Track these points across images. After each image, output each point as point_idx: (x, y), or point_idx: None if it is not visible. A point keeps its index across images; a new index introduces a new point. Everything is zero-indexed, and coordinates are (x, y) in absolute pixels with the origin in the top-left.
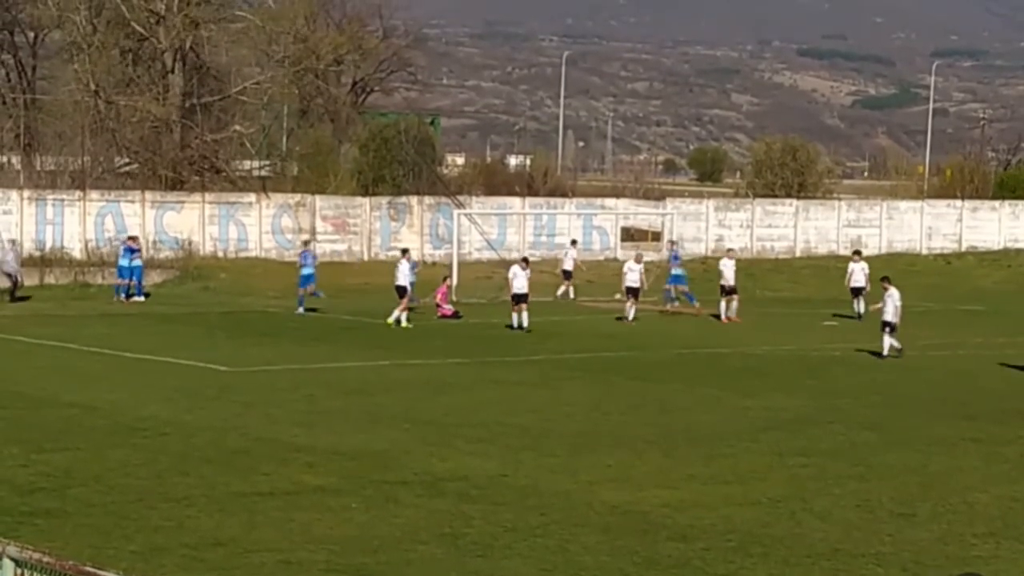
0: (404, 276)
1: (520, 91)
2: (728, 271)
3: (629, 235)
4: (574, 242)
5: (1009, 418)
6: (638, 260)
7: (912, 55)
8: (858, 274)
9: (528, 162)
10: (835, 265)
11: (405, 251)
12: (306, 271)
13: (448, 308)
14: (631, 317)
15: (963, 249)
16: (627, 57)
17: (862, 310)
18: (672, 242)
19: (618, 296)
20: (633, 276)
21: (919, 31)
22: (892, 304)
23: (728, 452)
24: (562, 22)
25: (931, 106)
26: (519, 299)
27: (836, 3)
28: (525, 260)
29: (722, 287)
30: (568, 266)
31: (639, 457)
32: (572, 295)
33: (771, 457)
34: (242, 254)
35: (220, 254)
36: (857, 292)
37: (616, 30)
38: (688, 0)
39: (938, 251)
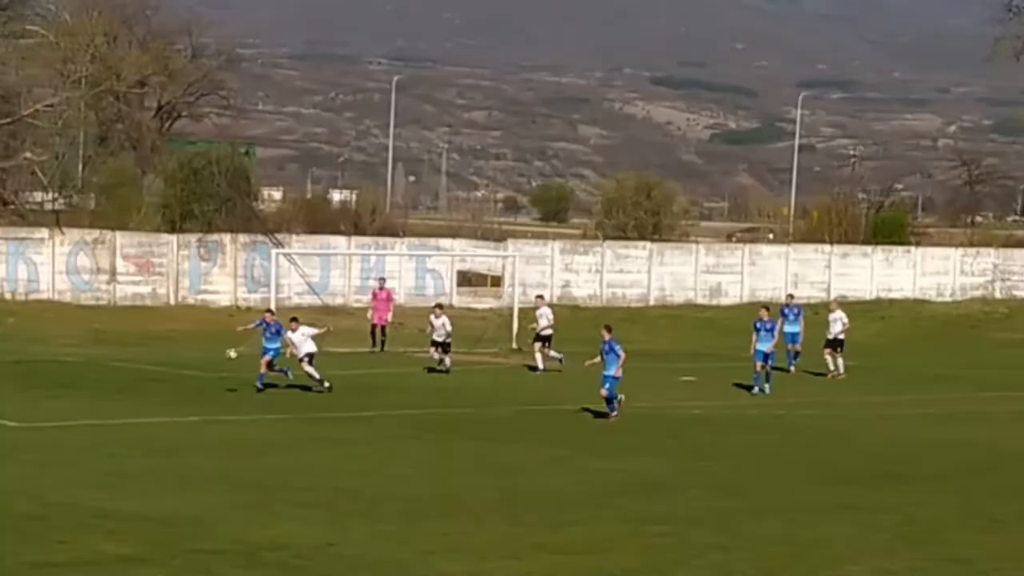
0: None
1: (345, 119)
2: (544, 320)
3: (467, 279)
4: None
5: (885, 483)
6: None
7: (776, 85)
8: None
9: (354, 198)
10: (692, 315)
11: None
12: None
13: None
14: (542, 367)
15: (832, 298)
16: (464, 83)
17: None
18: (790, 295)
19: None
20: (543, 323)
21: (784, 59)
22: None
23: (579, 519)
24: (392, 43)
25: (797, 141)
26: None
27: (693, 28)
28: (439, 306)
29: (537, 335)
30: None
31: (480, 524)
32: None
33: (626, 524)
34: (33, 296)
35: (8, 296)
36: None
37: (451, 53)
38: (531, 22)
39: (805, 300)
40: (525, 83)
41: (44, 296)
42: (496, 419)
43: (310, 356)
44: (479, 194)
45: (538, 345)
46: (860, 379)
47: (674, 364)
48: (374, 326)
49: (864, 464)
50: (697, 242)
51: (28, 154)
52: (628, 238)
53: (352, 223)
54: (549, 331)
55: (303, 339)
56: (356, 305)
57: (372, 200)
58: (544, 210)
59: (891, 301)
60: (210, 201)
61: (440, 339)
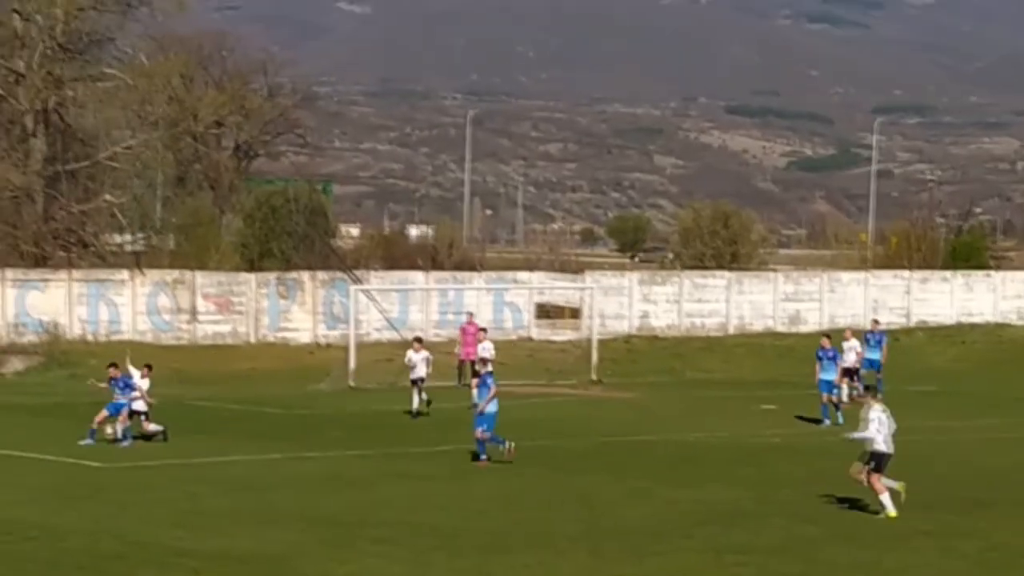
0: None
1: (421, 154)
2: (486, 354)
3: (545, 312)
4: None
5: (966, 508)
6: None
7: (852, 112)
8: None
9: (431, 232)
10: (772, 343)
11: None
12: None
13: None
14: None
15: (912, 324)
16: (538, 116)
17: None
18: (875, 321)
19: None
20: (486, 356)
21: (859, 86)
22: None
23: (659, 550)
24: (466, 78)
25: (874, 167)
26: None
27: (767, 56)
28: (419, 340)
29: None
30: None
31: (561, 556)
32: None
33: (707, 555)
34: (114, 337)
35: (89, 337)
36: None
37: (526, 87)
38: (605, 54)
39: (884, 326)
40: (599, 115)
41: (125, 337)
42: (575, 451)
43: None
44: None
45: (475, 381)
46: (940, 404)
47: (753, 392)
48: (462, 361)
49: (945, 490)
50: (775, 270)
51: (107, 196)
52: (706, 268)
53: (430, 258)
54: (423, 375)
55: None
56: (435, 340)
57: (449, 234)
58: (621, 241)
59: (972, 325)
60: (288, 239)
61: (417, 376)
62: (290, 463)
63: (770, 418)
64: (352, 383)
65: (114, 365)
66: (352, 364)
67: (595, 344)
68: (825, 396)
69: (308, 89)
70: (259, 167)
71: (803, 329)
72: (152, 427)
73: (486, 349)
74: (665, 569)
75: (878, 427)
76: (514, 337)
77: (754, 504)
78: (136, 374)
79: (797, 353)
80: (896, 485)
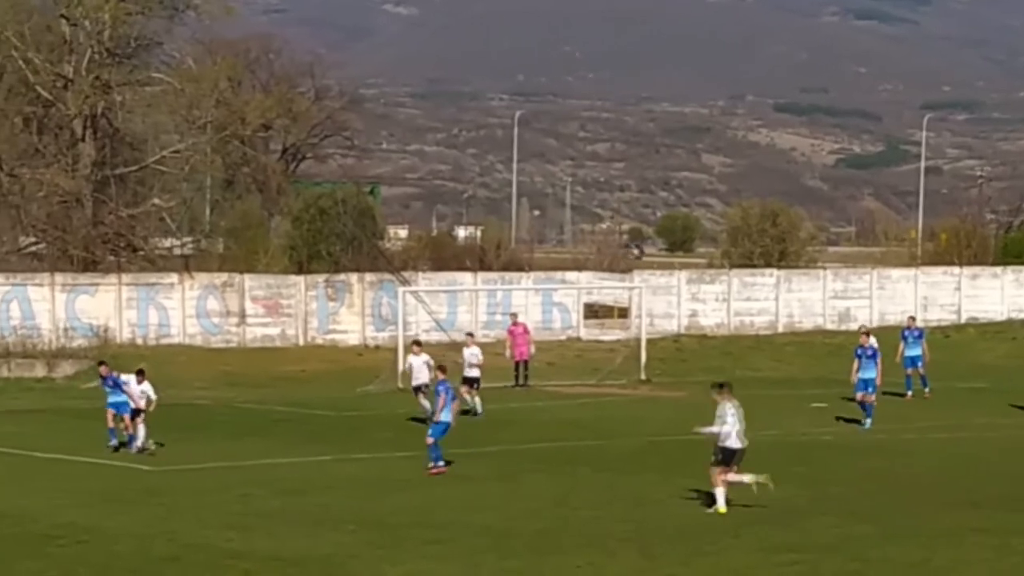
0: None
1: (468, 155)
2: (473, 359)
3: (594, 312)
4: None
5: (1020, 505)
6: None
7: (900, 108)
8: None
9: (479, 233)
10: (821, 341)
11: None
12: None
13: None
14: (480, 410)
15: (963, 320)
16: (585, 116)
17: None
18: (912, 317)
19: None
20: (473, 361)
21: (907, 82)
22: None
23: (710, 549)
24: (513, 79)
25: (923, 164)
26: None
27: (815, 53)
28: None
29: (464, 377)
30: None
31: (612, 557)
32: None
33: (757, 554)
34: (164, 341)
35: (139, 341)
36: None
37: (573, 87)
38: (652, 53)
39: (935, 323)
40: (647, 114)
41: (175, 340)
42: (625, 450)
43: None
44: (604, 226)
45: (464, 388)
46: (990, 400)
47: (803, 391)
48: (517, 362)
49: (997, 487)
50: (825, 268)
51: (156, 200)
52: (755, 266)
53: (478, 259)
54: (476, 372)
55: (141, 396)
56: (484, 340)
57: (497, 235)
58: (669, 240)
59: (1022, 322)
60: (336, 241)
61: (472, 374)
62: (340, 465)
63: (820, 416)
64: (401, 384)
65: (103, 363)
66: (401, 366)
67: (644, 343)
68: (860, 395)
69: (355, 91)
70: (307, 170)
71: (853, 327)
72: (141, 438)
73: (473, 355)
74: (715, 569)
75: (733, 422)
76: (563, 337)
77: (805, 502)
78: (131, 380)
79: (847, 351)
80: (760, 478)
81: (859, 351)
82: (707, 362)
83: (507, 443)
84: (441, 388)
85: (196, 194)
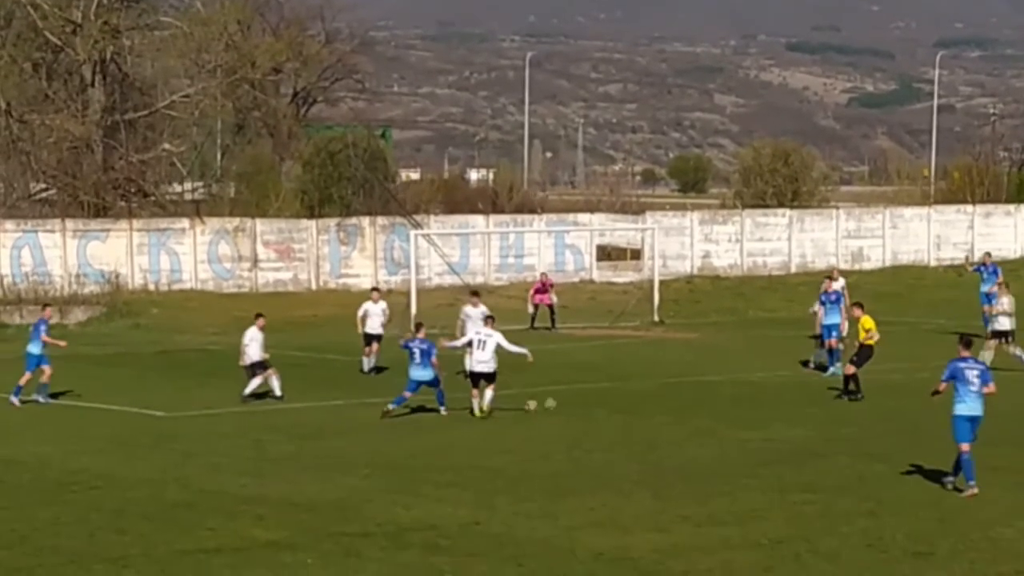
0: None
1: (480, 98)
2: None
3: (606, 253)
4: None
5: None
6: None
7: (913, 47)
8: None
9: (491, 176)
10: None
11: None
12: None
13: None
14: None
15: (976, 259)
16: (597, 57)
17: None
18: (988, 253)
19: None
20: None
21: (920, 20)
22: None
23: (724, 490)
24: (524, 20)
25: (935, 102)
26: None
27: None
28: (376, 289)
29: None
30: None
31: (626, 498)
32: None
33: (772, 494)
34: (176, 286)
35: (151, 287)
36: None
37: (584, 27)
38: None
39: (948, 262)
40: (659, 54)
41: (187, 286)
42: (639, 392)
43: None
44: (616, 168)
45: (375, 347)
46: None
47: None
48: (536, 306)
49: (1012, 425)
50: (837, 207)
51: (167, 145)
52: (767, 206)
53: (490, 201)
54: (379, 330)
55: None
56: (496, 283)
57: (509, 178)
58: (682, 181)
59: None
60: (348, 185)
61: (374, 332)
62: (353, 409)
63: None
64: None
65: (47, 305)
66: (414, 309)
67: (657, 285)
68: (828, 341)
69: (365, 34)
70: (317, 113)
71: (866, 266)
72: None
73: (378, 312)
74: (730, 509)
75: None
76: (576, 280)
77: (819, 443)
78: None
79: (860, 290)
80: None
81: (823, 296)
82: (720, 303)
83: (522, 386)
84: (413, 345)
85: (206, 139)
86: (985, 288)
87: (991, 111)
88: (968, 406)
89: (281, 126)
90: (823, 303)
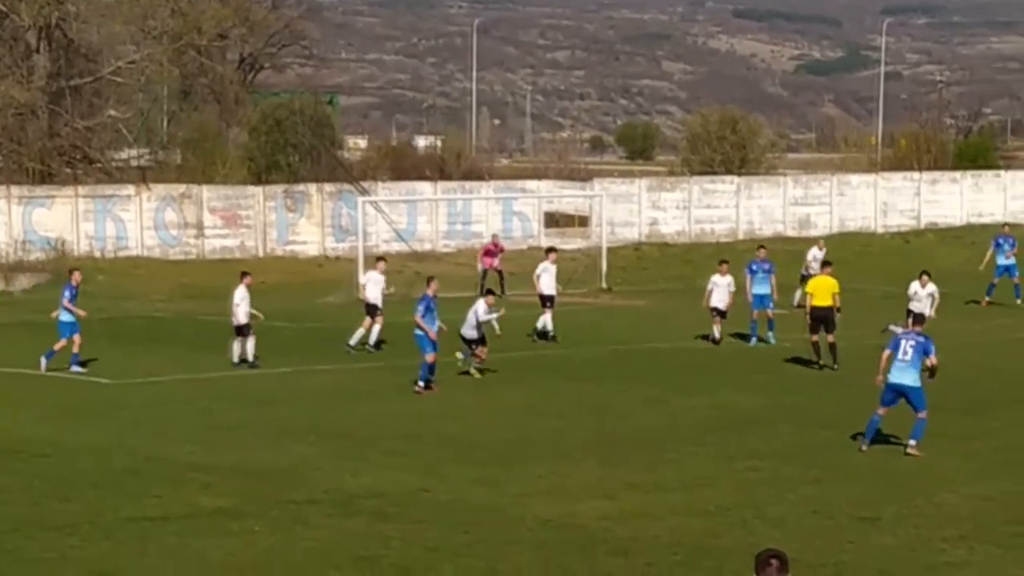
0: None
1: (427, 64)
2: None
3: (554, 220)
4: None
5: (980, 409)
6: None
7: (860, 14)
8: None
9: (439, 143)
10: (782, 248)
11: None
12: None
13: None
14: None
15: (922, 226)
16: (545, 24)
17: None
18: (1006, 224)
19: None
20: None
21: None
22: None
23: (672, 457)
24: None
25: (882, 70)
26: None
27: None
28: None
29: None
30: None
31: (575, 466)
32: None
33: (719, 461)
34: (122, 253)
35: (97, 254)
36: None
37: None
38: None
39: (895, 229)
40: (607, 21)
41: (133, 253)
42: (588, 360)
43: None
44: (564, 135)
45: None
46: (951, 306)
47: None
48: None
49: (958, 392)
50: (785, 174)
51: (112, 112)
52: (715, 173)
53: (438, 168)
54: (244, 320)
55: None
56: (444, 250)
57: (457, 145)
58: (630, 148)
59: (982, 226)
60: (295, 152)
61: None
62: (302, 376)
63: (781, 323)
64: (361, 295)
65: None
66: (361, 277)
67: (604, 252)
68: (756, 312)
69: (312, 0)
70: (264, 80)
71: (813, 233)
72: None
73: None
74: (677, 476)
75: None
76: (524, 247)
77: (767, 410)
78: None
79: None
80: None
81: (754, 266)
82: (668, 270)
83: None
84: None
85: (152, 105)
86: (1003, 261)
87: (938, 78)
88: (893, 374)
89: (227, 92)
90: (753, 272)
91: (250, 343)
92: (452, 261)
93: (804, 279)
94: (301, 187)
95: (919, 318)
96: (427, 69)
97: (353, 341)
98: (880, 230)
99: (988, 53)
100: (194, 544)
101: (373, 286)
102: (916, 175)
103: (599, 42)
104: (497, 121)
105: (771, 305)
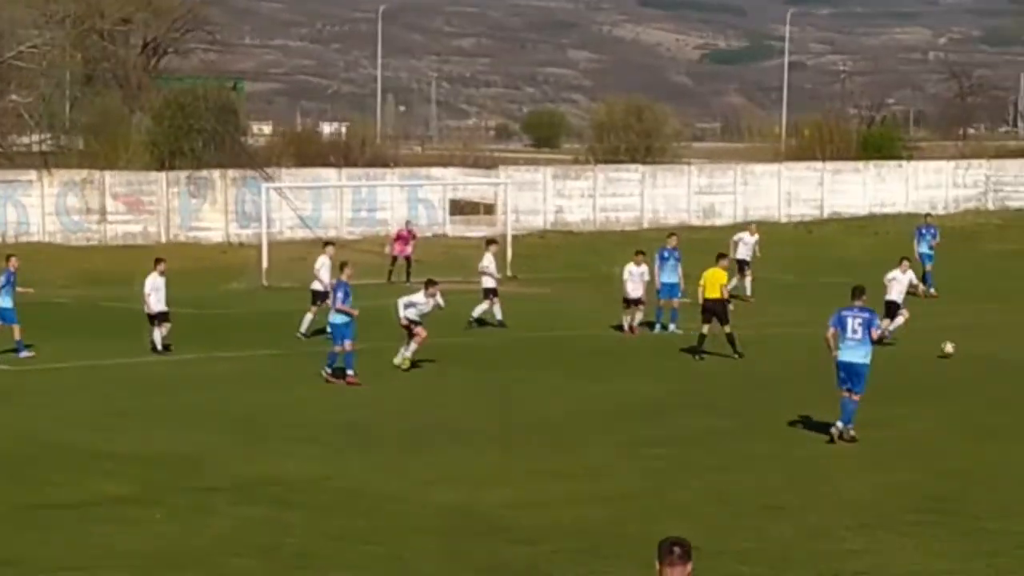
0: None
1: (332, 51)
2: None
3: (459, 208)
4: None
5: (880, 398)
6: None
7: (764, 3)
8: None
9: (344, 130)
10: (687, 236)
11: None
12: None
13: None
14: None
15: (825, 215)
16: (450, 11)
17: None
18: (928, 215)
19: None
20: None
21: None
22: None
23: (576, 444)
24: None
25: (787, 59)
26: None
27: None
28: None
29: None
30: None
31: (477, 453)
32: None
33: (623, 448)
34: (23, 239)
35: None
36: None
37: None
38: None
39: (798, 218)
40: (512, 8)
41: (34, 238)
42: (493, 347)
43: None
44: (470, 123)
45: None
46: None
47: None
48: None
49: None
50: (690, 163)
51: (14, 96)
52: (620, 161)
53: (343, 155)
54: (157, 308)
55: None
56: (349, 237)
57: (362, 132)
58: (536, 136)
59: (884, 216)
60: (199, 137)
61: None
62: (204, 363)
63: (686, 312)
64: (265, 282)
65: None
66: (265, 263)
67: (509, 240)
68: (663, 300)
69: None
70: (168, 65)
71: (718, 222)
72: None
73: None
74: (581, 463)
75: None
76: (429, 234)
77: (671, 398)
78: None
79: (712, 246)
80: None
81: (665, 252)
82: (573, 258)
83: (376, 341)
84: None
85: (55, 90)
86: (923, 250)
87: (841, 68)
88: (844, 353)
89: (131, 77)
90: (664, 259)
91: (160, 330)
92: (357, 248)
93: (741, 265)
94: (205, 173)
95: (860, 291)
96: (332, 55)
97: (303, 328)
98: (784, 219)
99: (891, 44)
100: (95, 531)
101: (326, 272)
102: (820, 165)
103: (505, 29)
104: (403, 108)
105: (679, 294)
